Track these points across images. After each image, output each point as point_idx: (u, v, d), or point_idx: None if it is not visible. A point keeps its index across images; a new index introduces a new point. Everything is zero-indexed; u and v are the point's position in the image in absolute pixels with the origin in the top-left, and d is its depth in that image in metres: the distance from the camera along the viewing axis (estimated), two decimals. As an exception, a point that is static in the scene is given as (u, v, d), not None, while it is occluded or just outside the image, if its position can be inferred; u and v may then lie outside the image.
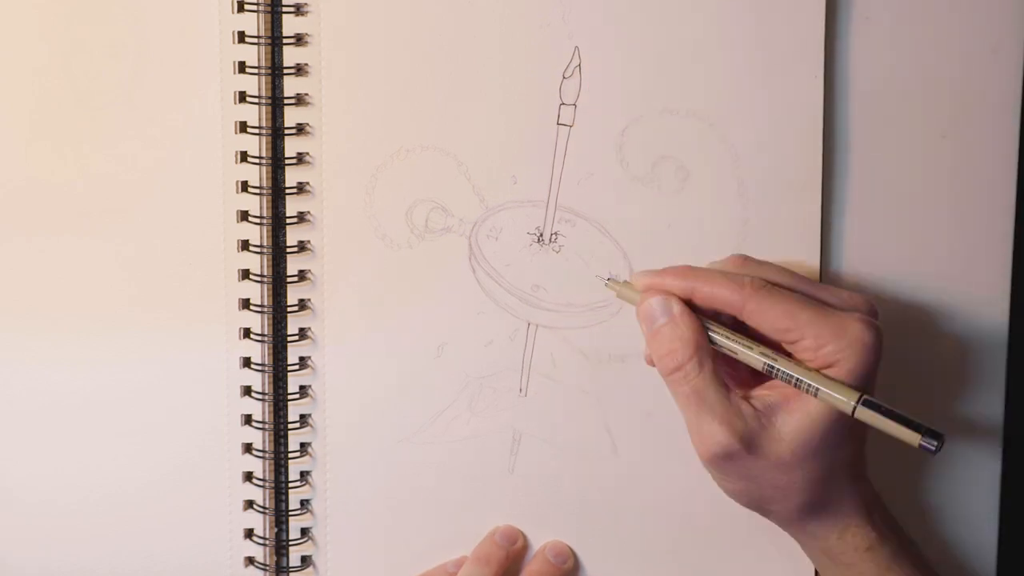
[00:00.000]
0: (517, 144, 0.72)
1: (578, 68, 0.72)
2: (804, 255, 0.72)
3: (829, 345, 0.64)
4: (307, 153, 0.72)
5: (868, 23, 0.73)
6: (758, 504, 0.68)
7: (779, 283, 0.67)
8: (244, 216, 0.72)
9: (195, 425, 0.73)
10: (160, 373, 0.73)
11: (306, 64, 0.71)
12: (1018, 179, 0.74)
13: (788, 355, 0.66)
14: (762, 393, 0.67)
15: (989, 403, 0.75)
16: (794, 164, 0.72)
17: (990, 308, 0.74)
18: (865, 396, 0.64)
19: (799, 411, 0.65)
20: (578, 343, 0.73)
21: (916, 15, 0.73)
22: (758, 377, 0.67)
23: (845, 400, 0.64)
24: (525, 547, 0.74)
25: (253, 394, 0.73)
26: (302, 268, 0.73)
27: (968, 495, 0.75)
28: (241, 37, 0.71)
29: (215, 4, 0.71)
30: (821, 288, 0.68)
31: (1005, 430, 0.76)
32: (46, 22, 0.71)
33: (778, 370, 0.65)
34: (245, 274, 0.73)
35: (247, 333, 0.73)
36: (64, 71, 0.71)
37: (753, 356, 0.66)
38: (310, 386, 0.73)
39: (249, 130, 0.72)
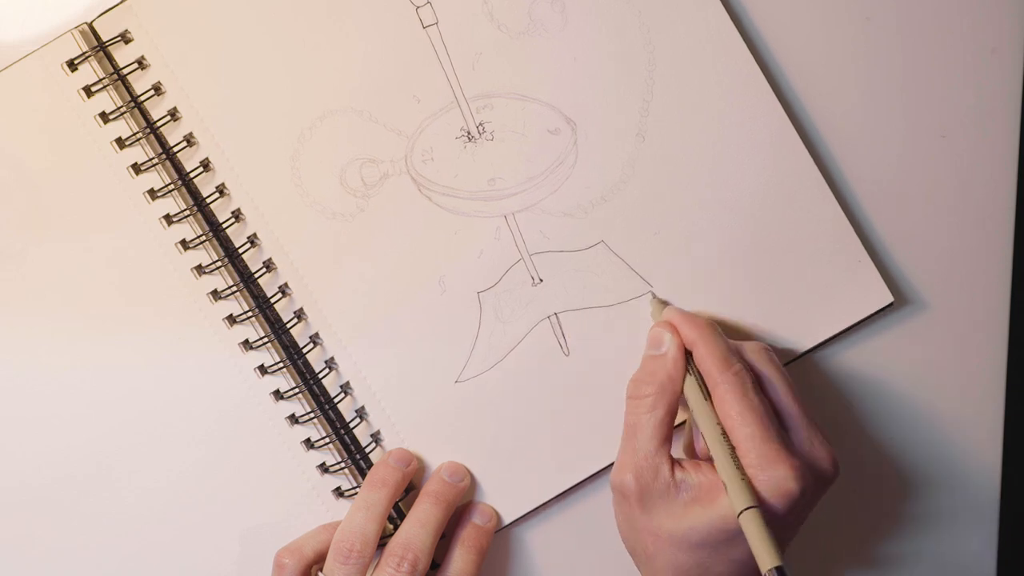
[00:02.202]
0: (399, 66, 0.72)
1: (413, -32, 0.72)
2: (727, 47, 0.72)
3: (751, 470, 0.64)
4: (223, 184, 0.72)
5: (869, 23, 0.73)
6: (630, 552, 0.70)
7: (768, 385, 0.67)
8: (201, 270, 0.72)
9: (248, 440, 0.73)
10: (175, 392, 0.72)
11: (175, 108, 0.71)
12: (1018, 179, 0.74)
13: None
14: (691, 468, 0.67)
15: (989, 403, 0.75)
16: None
17: (990, 308, 0.74)
18: (754, 507, 0.63)
19: (703, 504, 0.65)
20: (558, 208, 0.73)
21: (916, 15, 0.72)
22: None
23: (740, 500, 0.63)
24: (420, 468, 0.73)
25: (300, 420, 0.72)
26: (279, 284, 0.72)
27: (968, 495, 0.75)
28: (104, 118, 0.71)
29: (74, 100, 0.71)
30: (801, 420, 0.67)
31: (1005, 430, 0.76)
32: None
33: (712, 449, 0.66)
34: (232, 319, 0.72)
35: (264, 371, 0.72)
36: None
37: (705, 427, 0.66)
38: (348, 383, 0.72)
39: (159, 194, 0.71)
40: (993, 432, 0.76)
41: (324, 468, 0.73)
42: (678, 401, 0.68)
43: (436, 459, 0.73)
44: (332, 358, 0.72)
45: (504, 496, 0.73)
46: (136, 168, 0.71)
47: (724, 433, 0.65)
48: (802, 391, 0.68)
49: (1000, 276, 0.74)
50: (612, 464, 0.72)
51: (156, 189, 0.71)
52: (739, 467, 0.64)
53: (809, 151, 0.72)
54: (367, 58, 0.71)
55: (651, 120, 0.72)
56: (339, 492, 0.73)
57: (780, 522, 0.64)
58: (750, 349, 0.69)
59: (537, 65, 0.72)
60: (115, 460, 0.72)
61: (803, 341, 0.73)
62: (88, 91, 0.71)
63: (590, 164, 0.72)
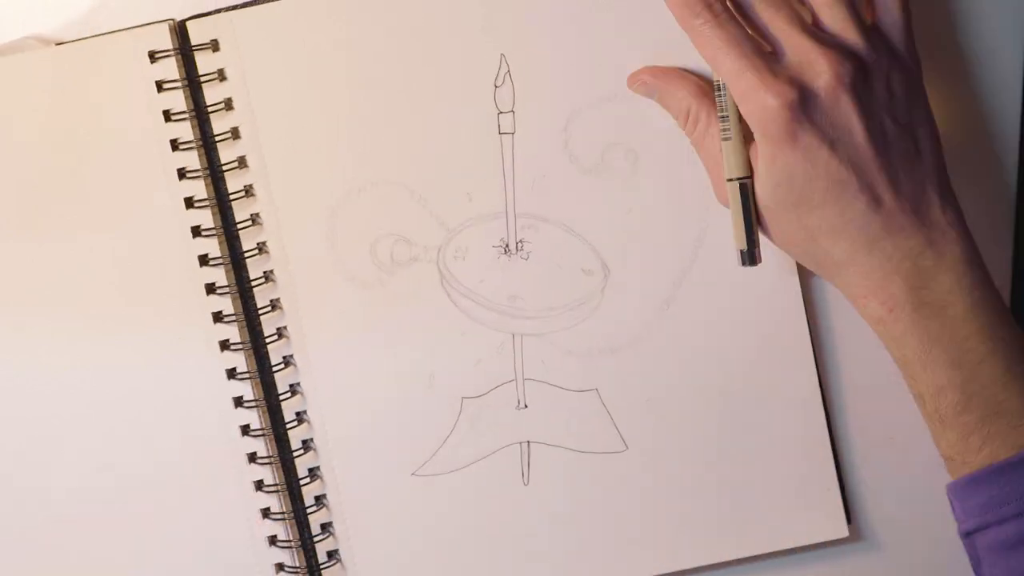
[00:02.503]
0: (465, 162, 0.72)
1: (507, 75, 0.71)
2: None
3: (740, 106, 0.65)
4: (258, 214, 0.72)
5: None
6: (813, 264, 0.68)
7: (751, 13, 0.66)
8: (212, 289, 0.72)
9: (212, 514, 0.73)
10: (155, 420, 0.73)
11: (237, 127, 0.71)
12: (1018, 179, 0.74)
13: None
14: None
15: None
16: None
17: None
18: (735, 180, 0.66)
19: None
20: (566, 344, 0.73)
21: (916, 15, 0.71)
22: None
23: (729, 173, 0.66)
24: None
25: (259, 460, 0.73)
26: (279, 326, 0.73)
27: None
28: (167, 116, 0.71)
29: (142, 89, 0.71)
30: (786, 40, 0.65)
31: None
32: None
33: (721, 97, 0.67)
34: (225, 344, 0.73)
35: (239, 402, 0.73)
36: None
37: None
38: (311, 439, 0.73)
39: (196, 204, 0.71)
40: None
41: (259, 485, 0.74)
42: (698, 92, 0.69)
43: (361, 535, 0.73)
44: (305, 412, 0.73)
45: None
46: (182, 173, 0.71)
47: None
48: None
49: (1000, 276, 0.74)
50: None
51: (195, 200, 0.72)
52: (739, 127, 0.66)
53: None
54: (437, 143, 0.72)
55: (682, 292, 0.73)
56: (266, 513, 0.74)
57: (792, 147, 0.64)
58: None
59: (593, 204, 0.72)
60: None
61: (752, 546, 0.74)
62: (160, 86, 0.71)
63: (610, 314, 0.73)
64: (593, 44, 0.71)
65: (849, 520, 0.74)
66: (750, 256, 0.68)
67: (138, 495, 0.73)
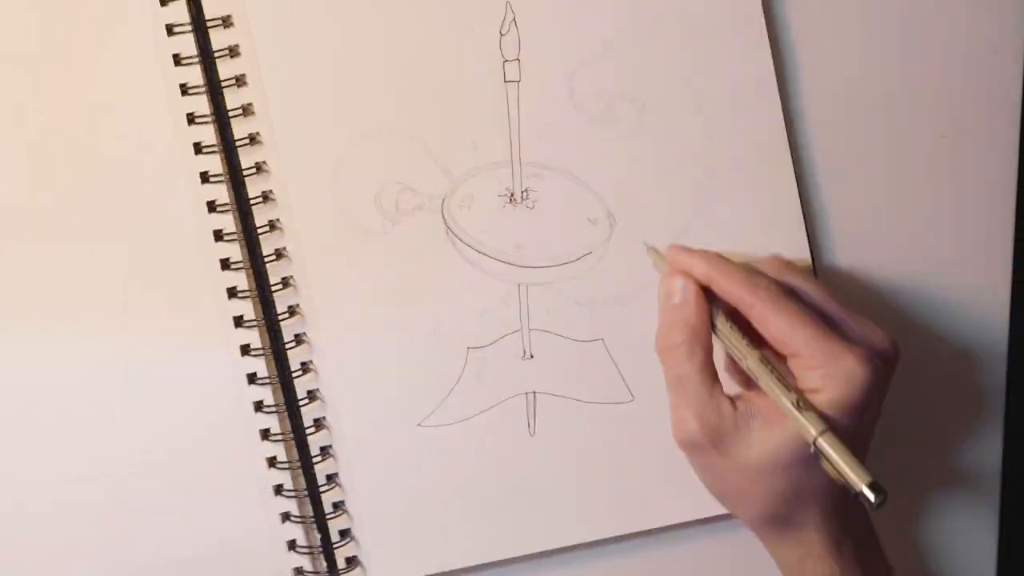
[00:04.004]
0: (469, 110, 0.72)
1: (513, 22, 0.71)
2: (775, 167, 0.72)
3: (819, 369, 0.64)
4: (264, 162, 0.72)
5: (869, 23, 0.72)
6: (721, 499, 0.69)
7: (802, 293, 0.67)
8: (219, 236, 0.72)
9: (214, 453, 0.73)
10: (170, 392, 0.73)
11: (244, 75, 0.71)
12: (1018, 179, 0.74)
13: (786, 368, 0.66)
14: (752, 397, 0.66)
15: (989, 403, 0.75)
16: (751, 76, 0.71)
17: (990, 308, 0.74)
18: (827, 431, 0.62)
19: (778, 425, 0.64)
20: (572, 294, 0.73)
21: (916, 15, 0.72)
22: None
23: (808, 429, 0.63)
24: None
25: (265, 408, 0.73)
26: (284, 276, 0.73)
27: (968, 495, 0.75)
28: (177, 60, 0.71)
29: (151, 57, 0.71)
30: (844, 313, 0.67)
31: (1005, 430, 0.75)
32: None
33: (759, 382, 0.65)
34: (232, 293, 0.73)
35: (246, 350, 0.73)
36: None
37: (745, 361, 0.66)
38: (317, 389, 0.73)
39: (205, 150, 0.72)
40: (993, 432, 0.76)
41: (272, 462, 0.74)
42: (711, 339, 0.67)
43: (367, 486, 0.73)
44: (311, 361, 0.73)
45: (415, 549, 0.74)
46: (198, 148, 0.72)
47: (763, 359, 0.65)
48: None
49: (1000, 276, 0.74)
50: (541, 552, 0.73)
51: (209, 174, 0.72)
52: (792, 390, 0.64)
53: (807, 156, 0.73)
54: (441, 92, 0.71)
55: (687, 240, 0.72)
56: (272, 462, 0.74)
57: (859, 416, 0.64)
58: (767, 264, 0.69)
59: (599, 153, 0.72)
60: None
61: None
62: (177, 59, 0.71)
63: (617, 264, 0.72)
64: (599, -8, 0.71)
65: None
66: (877, 489, 0.61)
67: (151, 480, 0.73)
